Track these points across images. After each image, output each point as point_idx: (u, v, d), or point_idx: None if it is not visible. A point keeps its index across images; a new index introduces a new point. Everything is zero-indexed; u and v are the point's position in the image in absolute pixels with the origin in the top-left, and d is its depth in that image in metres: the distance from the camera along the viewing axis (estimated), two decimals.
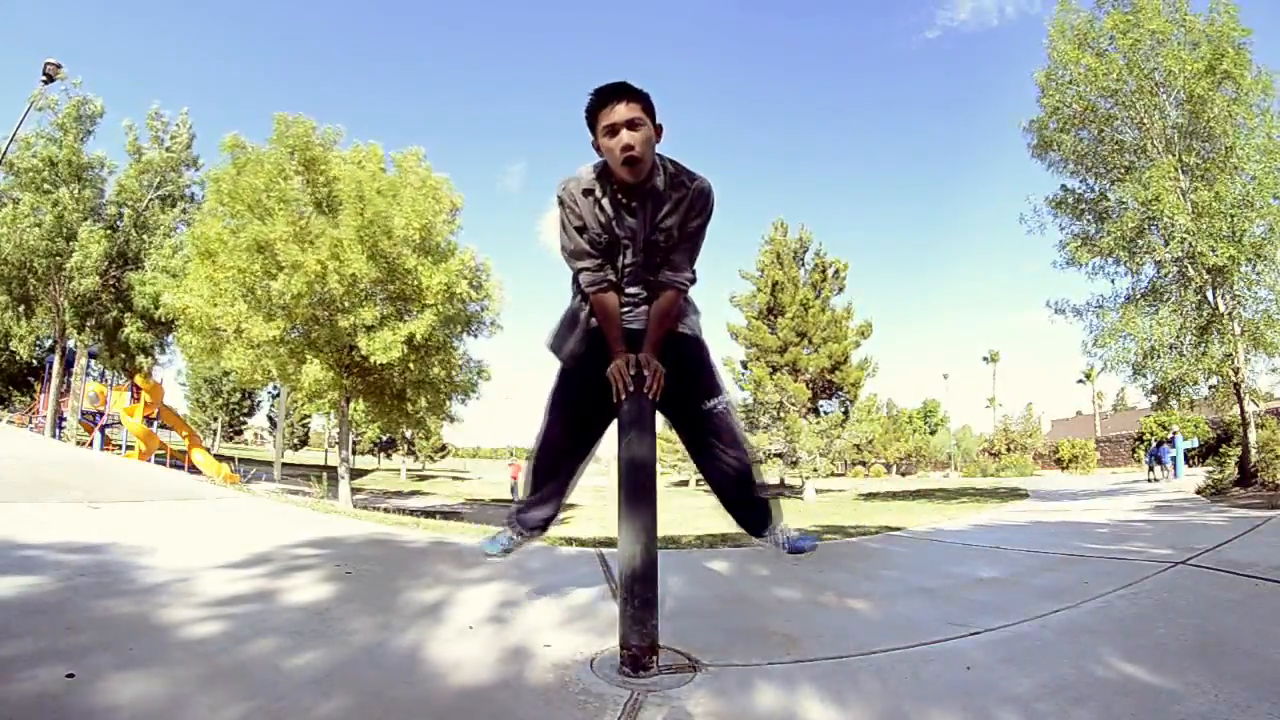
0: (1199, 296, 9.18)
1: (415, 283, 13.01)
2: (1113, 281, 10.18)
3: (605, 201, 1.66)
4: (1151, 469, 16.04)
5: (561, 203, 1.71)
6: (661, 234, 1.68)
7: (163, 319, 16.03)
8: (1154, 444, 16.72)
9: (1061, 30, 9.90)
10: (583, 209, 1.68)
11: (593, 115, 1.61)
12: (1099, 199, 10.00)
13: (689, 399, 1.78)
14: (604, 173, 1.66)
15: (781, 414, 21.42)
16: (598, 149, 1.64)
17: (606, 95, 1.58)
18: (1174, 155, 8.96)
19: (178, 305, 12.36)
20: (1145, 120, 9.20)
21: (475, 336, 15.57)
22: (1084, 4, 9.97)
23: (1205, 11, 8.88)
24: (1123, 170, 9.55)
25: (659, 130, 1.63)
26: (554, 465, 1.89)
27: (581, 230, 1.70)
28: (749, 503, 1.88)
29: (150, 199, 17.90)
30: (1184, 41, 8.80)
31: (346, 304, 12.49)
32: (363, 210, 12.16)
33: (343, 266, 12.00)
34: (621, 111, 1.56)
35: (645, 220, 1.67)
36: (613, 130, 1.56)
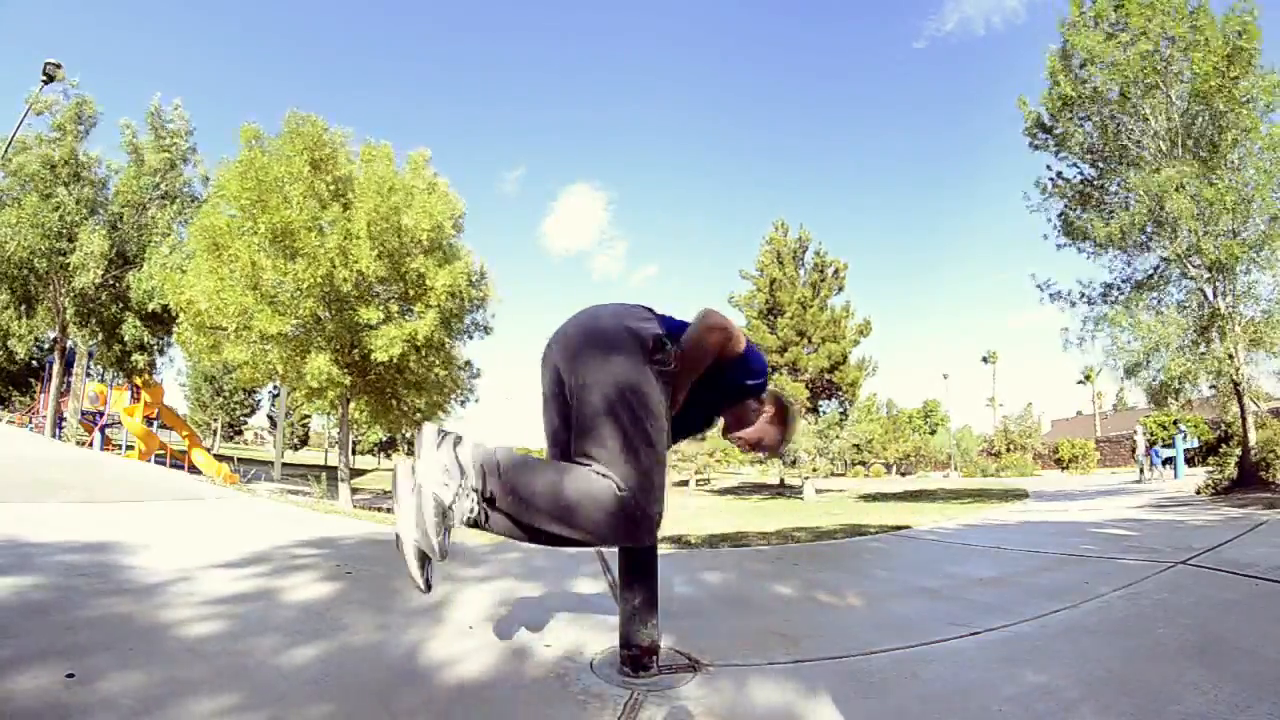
0: (1200, 294, 9.18)
1: (421, 282, 13.05)
2: (1110, 272, 10.22)
3: None
4: (1143, 470, 16.06)
5: None
6: None
7: (160, 313, 16.05)
8: (1147, 444, 16.82)
9: (1072, 24, 9.80)
10: None
11: None
12: (1100, 184, 10.00)
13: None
14: None
15: None
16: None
17: None
18: (1181, 151, 8.94)
19: (181, 300, 12.31)
20: (1153, 115, 9.18)
21: (471, 337, 15.80)
22: None
23: (1218, 13, 8.83)
24: (1130, 163, 9.50)
25: None
26: None
27: None
28: None
29: (151, 197, 17.88)
30: (1193, 41, 8.74)
31: (353, 300, 12.53)
32: (377, 205, 12.21)
33: (351, 261, 12.03)
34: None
35: None
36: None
